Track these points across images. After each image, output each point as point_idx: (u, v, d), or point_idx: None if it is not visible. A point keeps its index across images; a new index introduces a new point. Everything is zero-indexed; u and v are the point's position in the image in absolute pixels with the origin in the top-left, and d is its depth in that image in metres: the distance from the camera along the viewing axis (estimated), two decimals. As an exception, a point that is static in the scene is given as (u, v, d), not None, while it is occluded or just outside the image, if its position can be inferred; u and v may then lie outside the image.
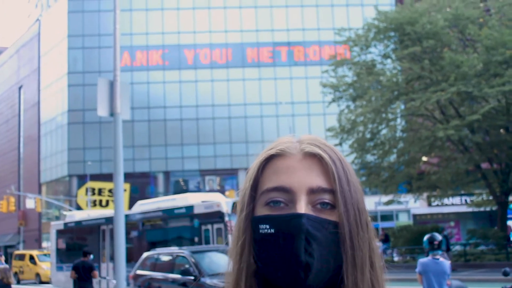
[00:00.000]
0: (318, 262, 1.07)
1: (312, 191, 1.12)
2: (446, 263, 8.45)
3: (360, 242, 1.12)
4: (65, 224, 28.64)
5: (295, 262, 1.07)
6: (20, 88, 73.75)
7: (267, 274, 1.12)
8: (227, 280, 1.19)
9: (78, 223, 27.69)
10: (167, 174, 59.22)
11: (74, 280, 16.07)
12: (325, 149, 1.17)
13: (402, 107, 30.81)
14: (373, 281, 1.14)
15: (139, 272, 15.86)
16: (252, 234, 1.14)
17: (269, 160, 1.18)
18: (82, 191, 54.46)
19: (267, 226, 1.10)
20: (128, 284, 14.84)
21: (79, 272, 15.81)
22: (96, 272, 16.31)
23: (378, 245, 1.21)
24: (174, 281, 14.49)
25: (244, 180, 1.20)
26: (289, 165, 1.15)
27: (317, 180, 1.13)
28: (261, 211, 1.14)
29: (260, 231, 1.11)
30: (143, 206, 25.18)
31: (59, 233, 28.69)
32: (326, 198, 1.12)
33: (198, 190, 59.04)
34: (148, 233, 23.60)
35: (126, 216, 18.56)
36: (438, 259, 8.44)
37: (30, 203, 51.34)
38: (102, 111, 13.45)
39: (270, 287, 1.13)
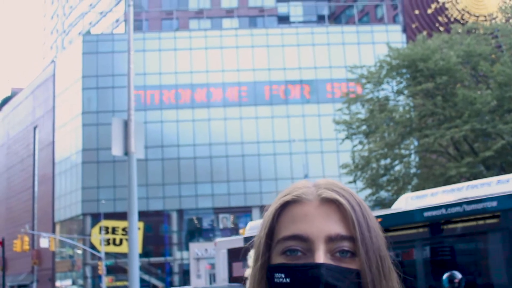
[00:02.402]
0: None
1: (330, 239, 1.08)
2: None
3: None
4: (247, 239, 19.77)
5: None
6: (35, 128, 74.46)
7: None
8: None
9: None
10: (180, 212, 59.15)
11: None
12: (343, 194, 1.13)
13: (416, 143, 30.74)
14: None
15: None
16: (268, 285, 1.10)
17: (284, 206, 1.15)
18: (96, 230, 54.42)
19: (283, 275, 1.06)
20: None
21: None
22: None
23: None
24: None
25: (259, 228, 1.18)
26: (306, 212, 1.11)
27: (336, 227, 1.09)
28: (277, 259, 1.10)
29: (275, 280, 1.07)
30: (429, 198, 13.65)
31: (232, 254, 20.98)
32: (346, 246, 1.08)
33: (212, 228, 58.91)
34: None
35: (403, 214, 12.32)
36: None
37: (44, 242, 51.33)
38: (117, 150, 13.54)
39: None
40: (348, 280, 1.05)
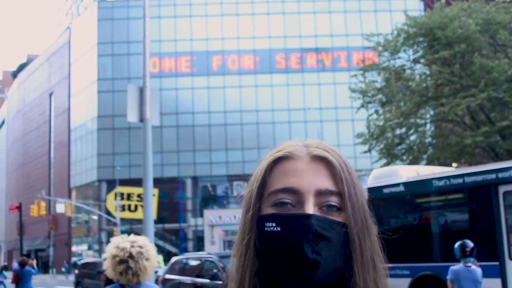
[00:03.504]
0: (326, 260, 1.08)
1: (320, 193, 1.13)
2: (478, 270, 8.34)
3: (368, 243, 1.14)
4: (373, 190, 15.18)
5: (303, 260, 1.07)
6: (51, 94, 74.81)
7: (271, 273, 1.12)
8: (231, 279, 1.19)
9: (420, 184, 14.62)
10: (195, 179, 59.48)
11: None
12: (331, 153, 1.18)
13: (432, 112, 30.51)
14: (376, 281, 1.15)
15: (168, 276, 15.94)
16: (256, 233, 1.15)
17: (276, 162, 1.19)
18: (111, 196, 54.93)
19: (273, 224, 1.11)
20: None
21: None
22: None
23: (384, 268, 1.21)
24: (202, 285, 14.53)
25: (251, 181, 1.22)
26: (297, 167, 1.16)
27: (325, 182, 1.14)
28: (268, 211, 1.15)
29: (266, 229, 1.12)
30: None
31: None
32: (333, 200, 1.13)
33: (226, 195, 59.20)
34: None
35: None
36: (470, 266, 8.33)
37: (60, 208, 51.94)
38: (132, 117, 13.56)
39: (273, 287, 1.13)
40: (335, 231, 1.10)
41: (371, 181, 15.29)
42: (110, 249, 4.62)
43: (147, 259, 4.54)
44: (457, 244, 8.58)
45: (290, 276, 1.09)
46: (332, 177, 1.15)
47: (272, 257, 1.11)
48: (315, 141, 1.23)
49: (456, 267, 8.40)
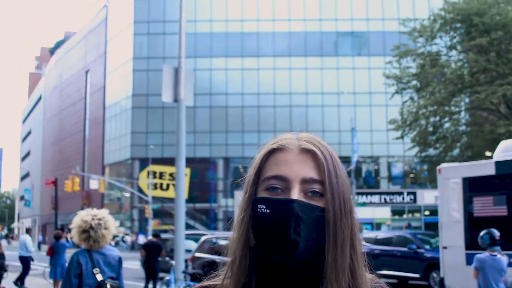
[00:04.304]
0: (305, 240, 1.26)
1: (304, 181, 1.31)
2: (503, 259, 8.37)
3: (343, 226, 1.30)
4: (500, 164, 13.79)
5: (285, 239, 1.25)
6: (87, 72, 75.70)
7: (259, 247, 1.31)
8: (229, 247, 1.39)
9: None
10: (226, 160, 59.83)
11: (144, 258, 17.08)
12: (319, 146, 1.37)
13: (467, 100, 30.19)
14: (354, 261, 1.31)
15: (198, 254, 16.22)
16: (251, 212, 1.34)
17: (271, 153, 1.39)
18: (143, 174, 55.62)
19: (264, 207, 1.30)
20: (186, 266, 15.22)
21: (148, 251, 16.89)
22: (164, 252, 17.26)
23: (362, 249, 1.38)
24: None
25: (249, 168, 1.42)
26: (287, 158, 1.35)
27: (310, 172, 1.32)
28: (261, 194, 1.34)
29: (258, 210, 1.31)
30: None
31: (473, 184, 14.84)
32: (316, 187, 1.31)
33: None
34: None
35: None
36: (496, 255, 8.37)
37: (93, 184, 52.85)
38: (167, 97, 13.76)
39: (261, 258, 1.32)
40: (314, 214, 1.28)
41: (499, 154, 14.10)
42: (75, 221, 5.84)
43: (105, 228, 5.82)
44: (484, 233, 8.61)
45: (275, 252, 1.28)
46: (317, 167, 1.33)
47: (262, 234, 1.30)
48: (307, 134, 1.43)
49: (481, 255, 8.44)
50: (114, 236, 62.40)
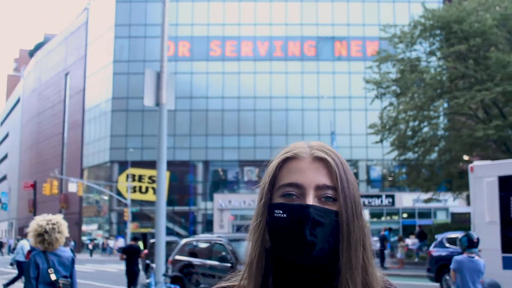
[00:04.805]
0: (320, 241, 1.35)
1: (318, 187, 1.40)
2: (481, 261, 8.53)
3: (355, 228, 1.39)
4: None
5: (303, 241, 1.35)
6: (66, 74, 75.23)
7: (277, 249, 1.40)
8: (246, 252, 1.49)
9: None
10: (206, 163, 59.80)
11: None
12: (330, 154, 1.45)
13: (445, 105, 30.56)
14: (365, 260, 1.41)
15: (178, 257, 16.24)
16: (267, 218, 1.43)
17: (285, 161, 1.46)
18: (122, 177, 55.37)
19: (281, 212, 1.39)
20: (166, 269, 15.24)
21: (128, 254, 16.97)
22: (142, 254, 17.36)
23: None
24: (211, 267, 14.82)
25: (264, 176, 1.50)
26: (301, 166, 1.43)
27: (323, 179, 1.41)
28: (277, 200, 1.42)
29: (275, 214, 1.40)
30: None
31: (508, 183, 14.15)
32: (329, 193, 1.40)
33: (237, 180, 59.48)
34: None
35: None
36: (473, 257, 8.53)
37: (72, 187, 52.51)
38: (148, 101, 13.78)
39: (277, 259, 1.41)
40: (329, 218, 1.37)
41: None
42: (32, 225, 6.42)
43: (59, 232, 6.40)
44: (462, 235, 8.78)
45: (292, 253, 1.36)
46: (329, 174, 1.41)
47: (279, 237, 1.38)
48: (318, 143, 1.49)
49: (459, 257, 8.60)
50: (93, 239, 62.07)
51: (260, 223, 1.44)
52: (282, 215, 1.38)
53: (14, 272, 23.71)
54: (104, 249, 59.38)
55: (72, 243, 38.89)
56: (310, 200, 1.37)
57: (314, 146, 1.48)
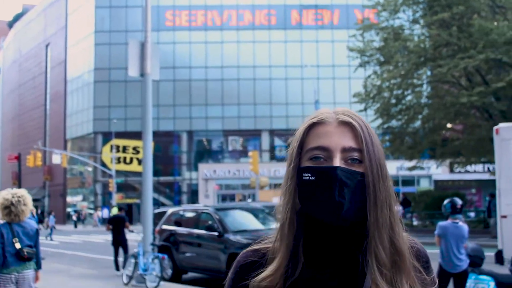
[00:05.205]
0: (348, 202, 1.40)
1: (344, 150, 1.45)
2: (465, 227, 8.69)
3: (381, 189, 1.44)
4: None
5: (331, 202, 1.40)
6: (47, 45, 74.34)
7: (309, 211, 1.46)
8: (278, 213, 1.54)
9: None
10: (190, 133, 59.76)
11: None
12: (355, 118, 1.50)
13: (429, 73, 30.65)
14: (391, 219, 1.46)
15: (165, 227, 16.34)
16: (296, 181, 1.48)
17: (312, 126, 1.51)
18: (106, 148, 55.19)
19: (309, 175, 1.44)
20: (154, 238, 15.34)
21: (114, 225, 17.13)
22: (127, 224, 17.50)
23: (398, 209, 1.56)
24: (198, 236, 14.93)
25: (292, 141, 1.54)
26: (327, 130, 1.48)
27: (349, 141, 1.46)
28: (305, 164, 1.47)
29: (304, 178, 1.45)
30: None
31: None
32: (355, 155, 1.45)
33: (221, 150, 59.56)
34: None
35: None
36: (457, 223, 8.68)
37: (56, 159, 52.28)
38: (133, 71, 13.74)
39: (308, 221, 1.47)
40: (355, 179, 1.42)
41: None
42: None
43: (24, 205, 6.86)
44: (446, 201, 8.92)
45: (322, 214, 1.42)
46: (354, 137, 1.46)
47: (309, 199, 1.44)
48: (342, 108, 1.54)
49: (444, 223, 8.75)
50: (76, 211, 62.01)
51: (290, 186, 1.49)
52: (310, 178, 1.43)
53: None
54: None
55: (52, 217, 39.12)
56: (337, 162, 1.42)
57: (339, 111, 1.52)
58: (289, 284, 1.45)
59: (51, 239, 34.92)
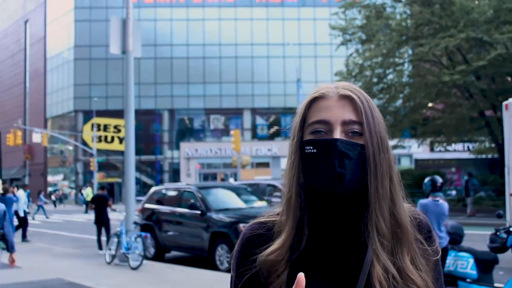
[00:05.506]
0: (349, 173, 1.44)
1: (345, 123, 1.48)
2: (445, 204, 8.79)
3: (382, 160, 1.48)
4: None
5: (332, 172, 1.44)
6: (26, 22, 73.33)
7: (311, 183, 1.49)
8: (283, 187, 1.57)
9: None
10: (172, 112, 59.54)
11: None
12: (356, 92, 1.53)
13: (410, 52, 30.74)
14: (392, 191, 1.50)
15: (147, 206, 16.34)
16: (299, 154, 1.52)
17: (313, 101, 1.55)
18: (87, 126, 54.92)
19: (311, 147, 1.48)
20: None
21: (96, 204, 17.09)
22: (110, 203, 17.50)
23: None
24: (181, 215, 14.96)
25: (295, 116, 1.58)
26: (328, 104, 1.51)
27: (349, 115, 1.49)
28: (307, 137, 1.51)
29: (306, 150, 1.49)
30: None
31: None
32: (356, 128, 1.48)
33: (203, 129, 59.47)
34: None
35: None
36: (438, 200, 8.78)
37: (36, 138, 51.86)
38: (115, 48, 13.62)
39: (313, 194, 1.51)
40: (356, 150, 1.46)
41: None
42: None
43: None
44: (427, 179, 9.01)
45: (324, 184, 1.45)
46: (354, 110, 1.49)
47: (311, 171, 1.48)
48: (343, 83, 1.57)
49: (424, 200, 8.84)
50: (55, 190, 61.66)
51: (294, 160, 1.52)
52: (312, 150, 1.47)
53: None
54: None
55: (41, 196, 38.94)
56: (338, 134, 1.45)
57: (340, 85, 1.55)
58: (295, 257, 1.49)
59: (33, 218, 34.75)
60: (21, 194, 21.21)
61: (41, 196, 38.31)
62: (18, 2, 75.48)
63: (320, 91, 1.54)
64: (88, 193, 43.67)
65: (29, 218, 23.61)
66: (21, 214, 20.86)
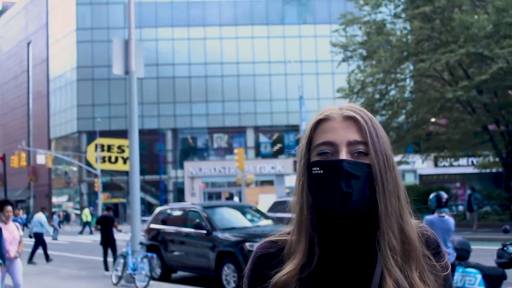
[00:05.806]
0: (356, 192, 1.47)
1: (350, 144, 1.51)
2: (451, 220, 8.78)
3: (388, 178, 1.51)
4: None
5: (339, 193, 1.47)
6: (28, 44, 73.74)
7: (319, 203, 1.53)
8: (293, 210, 1.61)
9: None
10: (175, 131, 59.63)
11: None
12: (359, 112, 1.56)
13: (411, 67, 30.82)
14: (400, 209, 1.53)
15: (153, 226, 16.32)
16: (308, 176, 1.55)
17: (318, 123, 1.58)
18: (91, 147, 55.03)
19: (318, 168, 1.51)
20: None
21: (102, 225, 17.10)
22: (116, 223, 17.50)
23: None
24: (186, 234, 14.93)
25: (302, 139, 1.61)
26: (333, 126, 1.55)
27: (354, 135, 1.52)
28: (314, 159, 1.54)
29: (313, 172, 1.52)
30: None
31: None
32: (361, 148, 1.51)
33: (206, 148, 59.51)
34: None
35: None
36: (443, 216, 8.77)
37: (40, 159, 51.95)
38: (117, 69, 13.70)
39: (322, 214, 1.55)
40: (362, 170, 1.49)
41: None
42: None
43: None
44: (432, 195, 9.01)
45: (332, 204, 1.49)
46: (359, 131, 1.52)
47: (319, 192, 1.51)
48: (347, 104, 1.61)
49: (430, 217, 8.84)
50: (54, 212, 61.54)
51: (303, 182, 1.56)
52: (319, 172, 1.50)
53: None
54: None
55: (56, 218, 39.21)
56: (343, 155, 1.49)
57: (343, 107, 1.59)
58: (305, 276, 1.52)
59: (55, 239, 35.60)
60: (41, 216, 21.78)
61: (55, 217, 38.61)
62: (21, 24, 75.98)
63: (324, 113, 1.58)
64: (86, 213, 43.55)
65: (49, 238, 23.82)
66: (46, 235, 21.44)
